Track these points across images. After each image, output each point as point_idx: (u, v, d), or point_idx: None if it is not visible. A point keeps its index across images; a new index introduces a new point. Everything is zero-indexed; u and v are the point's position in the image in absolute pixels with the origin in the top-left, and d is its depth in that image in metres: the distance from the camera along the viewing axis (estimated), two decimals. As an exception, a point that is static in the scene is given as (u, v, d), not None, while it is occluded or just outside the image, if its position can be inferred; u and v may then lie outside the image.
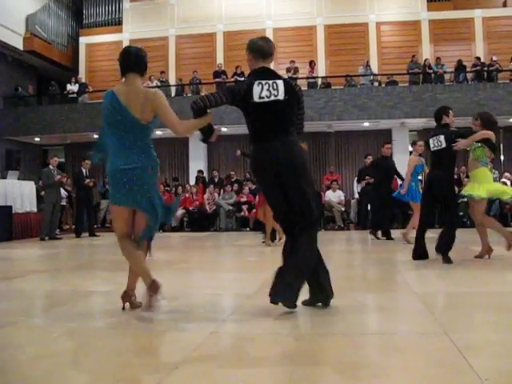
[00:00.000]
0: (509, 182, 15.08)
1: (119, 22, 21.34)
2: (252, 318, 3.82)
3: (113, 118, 3.81)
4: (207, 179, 17.86)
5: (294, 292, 3.80)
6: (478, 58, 17.98)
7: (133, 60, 3.88)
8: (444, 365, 2.69)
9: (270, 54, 4.07)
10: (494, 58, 17.59)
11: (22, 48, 19.42)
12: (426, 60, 18.07)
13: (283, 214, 4.02)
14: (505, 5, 19.79)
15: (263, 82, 3.90)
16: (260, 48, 4.04)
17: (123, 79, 3.96)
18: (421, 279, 5.47)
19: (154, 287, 3.82)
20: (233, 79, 18.33)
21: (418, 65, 18.12)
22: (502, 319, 3.69)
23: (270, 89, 3.89)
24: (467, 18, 19.32)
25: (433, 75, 17.73)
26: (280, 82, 3.96)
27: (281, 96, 3.91)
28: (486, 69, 17.72)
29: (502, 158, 17.90)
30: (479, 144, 6.71)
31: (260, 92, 3.89)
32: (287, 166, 3.86)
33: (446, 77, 17.90)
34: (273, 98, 3.89)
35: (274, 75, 4.02)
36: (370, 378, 2.58)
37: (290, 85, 4.01)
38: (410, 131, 18.22)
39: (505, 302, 4.34)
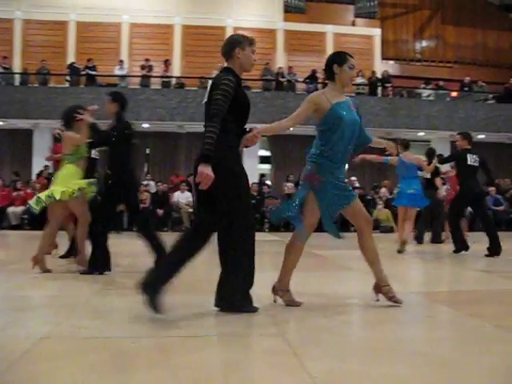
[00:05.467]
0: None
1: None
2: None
3: None
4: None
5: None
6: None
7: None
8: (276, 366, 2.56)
9: (222, 55, 3.86)
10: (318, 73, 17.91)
11: None
12: (279, 68, 18.47)
13: None
14: (353, 24, 21.65)
15: None
16: None
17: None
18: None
19: None
20: (84, 72, 17.49)
21: (272, 72, 18.50)
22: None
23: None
24: (320, 31, 20.29)
25: (285, 83, 18.16)
26: (210, 83, 3.73)
27: (205, 98, 3.69)
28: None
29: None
30: None
31: None
32: None
33: (298, 86, 18.45)
34: None
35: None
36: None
37: (213, 84, 3.67)
38: (262, 136, 18.42)
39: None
